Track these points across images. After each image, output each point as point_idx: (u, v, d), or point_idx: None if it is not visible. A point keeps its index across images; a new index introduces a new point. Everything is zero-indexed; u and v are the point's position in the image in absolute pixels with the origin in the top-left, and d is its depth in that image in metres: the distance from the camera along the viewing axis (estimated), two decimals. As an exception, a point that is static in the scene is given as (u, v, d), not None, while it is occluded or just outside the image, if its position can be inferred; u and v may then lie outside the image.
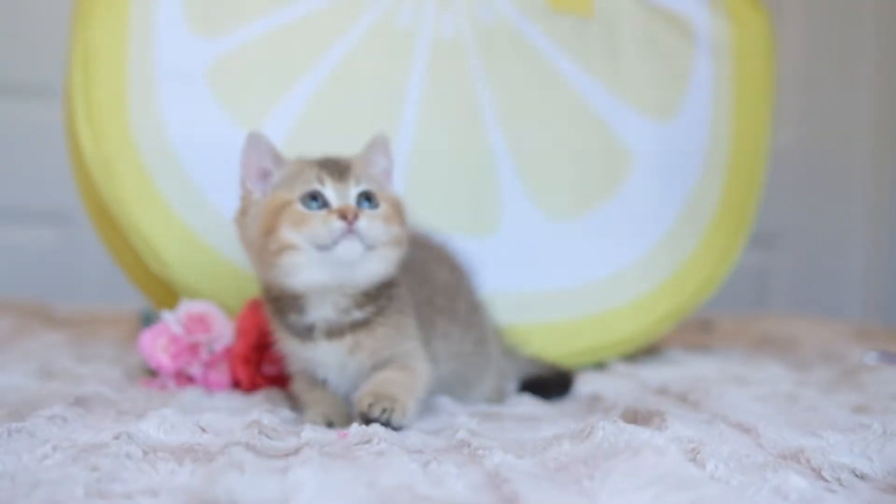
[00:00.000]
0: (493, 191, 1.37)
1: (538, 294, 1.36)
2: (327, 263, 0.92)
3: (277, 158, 0.97)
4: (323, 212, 0.91)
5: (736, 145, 1.45)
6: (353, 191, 0.93)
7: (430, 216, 1.24)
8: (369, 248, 0.92)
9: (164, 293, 1.31)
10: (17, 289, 2.21)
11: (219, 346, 1.13)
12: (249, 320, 1.10)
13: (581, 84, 1.40)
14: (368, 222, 0.91)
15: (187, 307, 1.14)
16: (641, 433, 0.74)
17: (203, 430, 0.85)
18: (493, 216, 1.37)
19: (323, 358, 0.97)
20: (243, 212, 0.98)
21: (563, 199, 1.39)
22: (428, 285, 1.04)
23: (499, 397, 1.11)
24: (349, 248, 0.91)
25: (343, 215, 0.90)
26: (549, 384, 1.17)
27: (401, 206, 0.97)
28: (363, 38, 1.36)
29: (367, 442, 0.79)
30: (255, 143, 0.97)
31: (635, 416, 0.93)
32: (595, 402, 1.08)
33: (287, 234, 0.92)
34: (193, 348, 1.12)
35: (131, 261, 1.34)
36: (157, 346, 1.12)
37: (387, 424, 0.87)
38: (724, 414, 0.95)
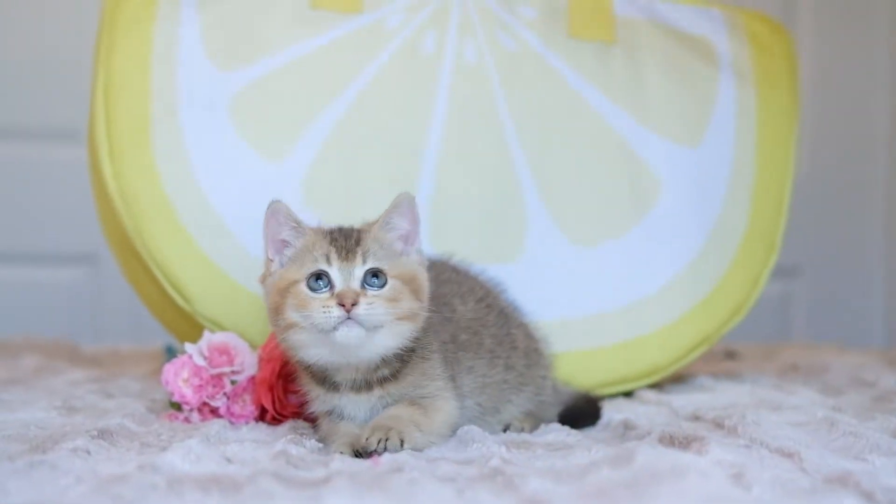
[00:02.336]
0: (518, 217, 1.35)
1: (563, 322, 1.34)
2: (329, 345, 0.92)
3: (296, 228, 0.97)
4: (325, 294, 0.92)
5: (761, 170, 1.42)
6: (359, 270, 0.92)
7: (453, 243, 1.23)
8: (372, 329, 0.92)
9: (188, 328, 1.29)
10: (45, 329, 2.20)
11: (242, 378, 1.11)
12: (274, 348, 1.09)
13: (605, 110, 1.39)
14: (368, 307, 0.91)
15: (209, 339, 1.13)
16: (683, 457, 0.72)
17: (229, 460, 0.83)
18: (518, 242, 1.35)
19: (350, 407, 0.97)
20: (264, 277, 0.99)
21: (589, 225, 1.37)
22: (451, 324, 1.03)
23: (534, 423, 1.09)
24: (347, 334, 0.91)
25: (341, 302, 0.90)
26: (580, 414, 1.15)
27: (416, 278, 0.96)
28: (387, 67, 1.35)
29: (399, 470, 0.76)
30: (275, 212, 0.97)
31: (672, 442, 0.90)
32: (627, 430, 1.05)
33: (291, 314, 0.93)
34: (217, 380, 1.11)
35: (154, 295, 1.33)
36: (180, 378, 1.10)
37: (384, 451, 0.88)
38: (762, 439, 0.92)
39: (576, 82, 1.39)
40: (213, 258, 1.27)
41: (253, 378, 1.12)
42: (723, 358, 1.89)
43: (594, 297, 1.36)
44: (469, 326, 1.05)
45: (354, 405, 0.97)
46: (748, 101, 1.43)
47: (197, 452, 0.84)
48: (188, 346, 1.12)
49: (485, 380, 1.04)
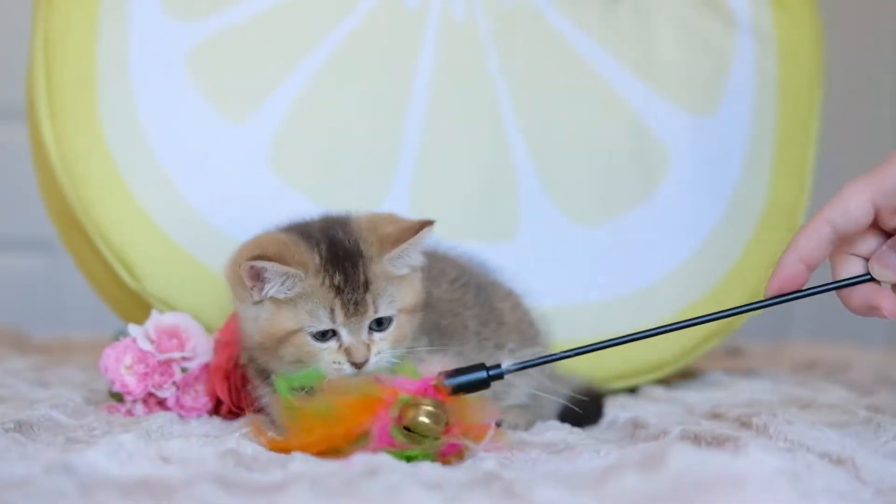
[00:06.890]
0: (511, 192, 1.21)
1: (560, 309, 1.19)
2: None
3: (288, 276, 0.82)
4: (333, 345, 0.82)
5: (782, 142, 1.29)
6: (367, 322, 0.83)
7: (439, 220, 1.09)
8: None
9: (140, 310, 1.14)
10: (2, 318, 2.07)
11: (194, 365, 0.96)
12: (234, 331, 0.94)
13: (610, 72, 1.24)
14: (377, 357, 0.83)
15: (157, 320, 0.98)
16: (735, 462, 0.57)
17: (166, 460, 0.68)
18: (511, 221, 1.21)
19: None
20: (236, 282, 0.85)
21: (591, 202, 1.23)
22: (432, 311, 0.92)
23: (530, 419, 0.97)
24: None
25: (352, 360, 0.82)
26: (581, 410, 1.02)
27: (418, 304, 0.87)
28: (365, 20, 1.20)
29: (374, 473, 0.62)
30: (259, 270, 0.82)
31: (698, 442, 0.76)
32: (637, 429, 0.91)
33: (291, 356, 0.83)
34: (165, 367, 0.96)
35: (102, 274, 1.18)
36: (121, 365, 0.95)
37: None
38: (801, 441, 0.78)
39: (577, 42, 1.25)
40: (166, 230, 1.12)
41: (207, 365, 0.97)
42: (725, 354, 1.76)
43: (595, 282, 1.22)
44: (449, 310, 0.94)
45: None
46: (768, 66, 1.29)
47: (129, 450, 0.69)
48: (132, 328, 0.98)
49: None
